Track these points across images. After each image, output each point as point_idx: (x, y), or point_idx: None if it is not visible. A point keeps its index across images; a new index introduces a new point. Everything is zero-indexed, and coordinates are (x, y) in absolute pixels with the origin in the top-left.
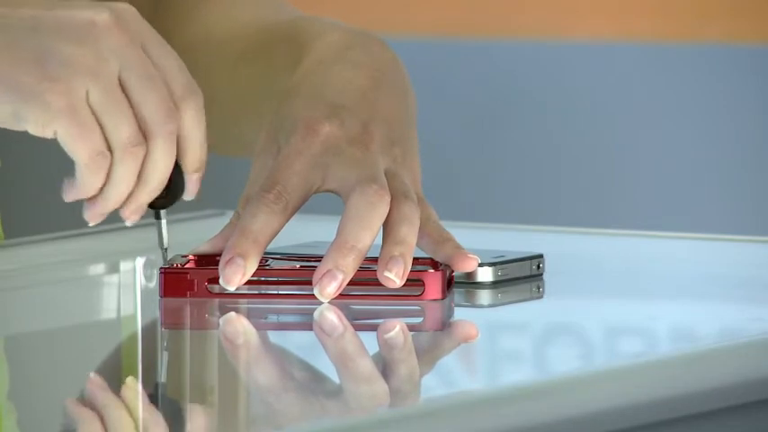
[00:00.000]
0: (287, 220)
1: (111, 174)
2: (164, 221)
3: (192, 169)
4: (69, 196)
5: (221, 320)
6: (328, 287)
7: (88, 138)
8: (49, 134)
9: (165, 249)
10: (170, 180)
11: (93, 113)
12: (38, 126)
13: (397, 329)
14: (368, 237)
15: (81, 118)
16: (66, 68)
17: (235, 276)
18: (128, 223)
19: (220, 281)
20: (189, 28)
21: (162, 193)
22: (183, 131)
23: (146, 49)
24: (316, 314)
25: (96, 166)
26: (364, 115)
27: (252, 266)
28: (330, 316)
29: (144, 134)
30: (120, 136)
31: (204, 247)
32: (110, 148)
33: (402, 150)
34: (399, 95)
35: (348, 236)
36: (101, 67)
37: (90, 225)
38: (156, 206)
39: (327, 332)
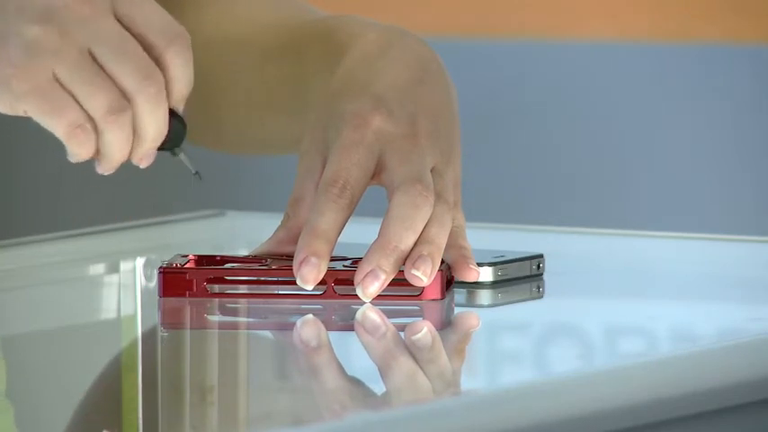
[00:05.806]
0: (352, 213)
1: (101, 141)
2: (182, 155)
3: (173, 104)
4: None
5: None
6: (371, 287)
7: (61, 113)
8: (20, 113)
9: (197, 173)
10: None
11: (65, 89)
12: (6, 107)
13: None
14: (411, 237)
15: (49, 96)
16: (28, 52)
17: (311, 275)
18: (141, 167)
19: (298, 281)
20: (203, 26)
21: (167, 138)
22: (169, 75)
23: (117, 11)
24: (358, 314)
25: (77, 138)
26: (411, 108)
27: (326, 264)
28: (372, 315)
29: (128, 99)
30: (95, 107)
31: (260, 251)
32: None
33: (448, 146)
34: (443, 91)
35: (392, 236)
36: (64, 44)
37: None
38: (166, 149)
39: (369, 332)
